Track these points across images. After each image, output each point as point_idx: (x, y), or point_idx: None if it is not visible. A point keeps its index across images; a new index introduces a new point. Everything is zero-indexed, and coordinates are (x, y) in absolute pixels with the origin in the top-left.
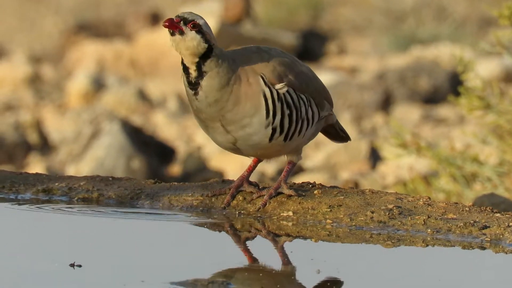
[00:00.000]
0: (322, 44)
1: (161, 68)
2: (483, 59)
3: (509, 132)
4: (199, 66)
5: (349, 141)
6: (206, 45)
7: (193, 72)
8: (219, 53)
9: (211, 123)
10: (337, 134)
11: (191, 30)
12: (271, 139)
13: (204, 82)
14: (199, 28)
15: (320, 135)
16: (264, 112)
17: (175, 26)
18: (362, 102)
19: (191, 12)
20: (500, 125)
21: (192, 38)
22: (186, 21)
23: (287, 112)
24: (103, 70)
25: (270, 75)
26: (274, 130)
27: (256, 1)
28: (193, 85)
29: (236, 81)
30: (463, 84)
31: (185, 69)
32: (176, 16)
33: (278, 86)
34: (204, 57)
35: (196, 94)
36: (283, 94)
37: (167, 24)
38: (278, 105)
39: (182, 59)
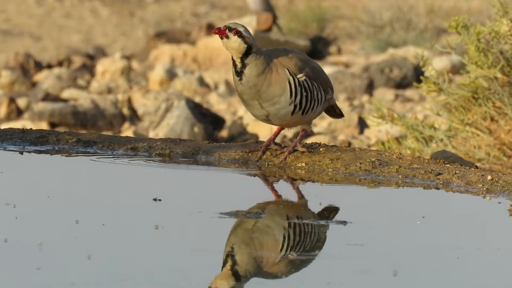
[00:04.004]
0: (326, 46)
1: (214, 63)
2: (437, 57)
3: (455, 107)
4: (242, 60)
5: (342, 117)
6: (245, 46)
7: (238, 64)
8: (257, 51)
9: (250, 101)
10: (335, 112)
11: (234, 35)
12: (293, 113)
13: (246, 71)
14: (240, 34)
15: (323, 114)
16: (289, 93)
17: (222, 32)
18: (353, 86)
19: (235, 23)
20: (449, 102)
21: (235, 41)
22: (230, 29)
23: (304, 94)
24: (174, 64)
25: (293, 68)
26: (295, 106)
27: (280, 16)
28: (239, 74)
29: (269, 70)
30: (423, 74)
31: (233, 62)
32: (223, 26)
33: (299, 75)
34: (246, 54)
35: (240, 79)
36: (302, 81)
37: (216, 31)
38: (298, 88)
39: (232, 56)
